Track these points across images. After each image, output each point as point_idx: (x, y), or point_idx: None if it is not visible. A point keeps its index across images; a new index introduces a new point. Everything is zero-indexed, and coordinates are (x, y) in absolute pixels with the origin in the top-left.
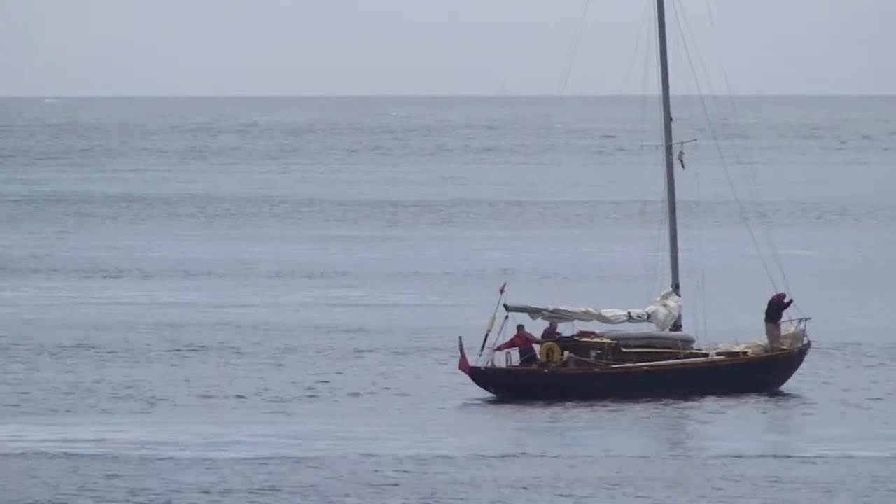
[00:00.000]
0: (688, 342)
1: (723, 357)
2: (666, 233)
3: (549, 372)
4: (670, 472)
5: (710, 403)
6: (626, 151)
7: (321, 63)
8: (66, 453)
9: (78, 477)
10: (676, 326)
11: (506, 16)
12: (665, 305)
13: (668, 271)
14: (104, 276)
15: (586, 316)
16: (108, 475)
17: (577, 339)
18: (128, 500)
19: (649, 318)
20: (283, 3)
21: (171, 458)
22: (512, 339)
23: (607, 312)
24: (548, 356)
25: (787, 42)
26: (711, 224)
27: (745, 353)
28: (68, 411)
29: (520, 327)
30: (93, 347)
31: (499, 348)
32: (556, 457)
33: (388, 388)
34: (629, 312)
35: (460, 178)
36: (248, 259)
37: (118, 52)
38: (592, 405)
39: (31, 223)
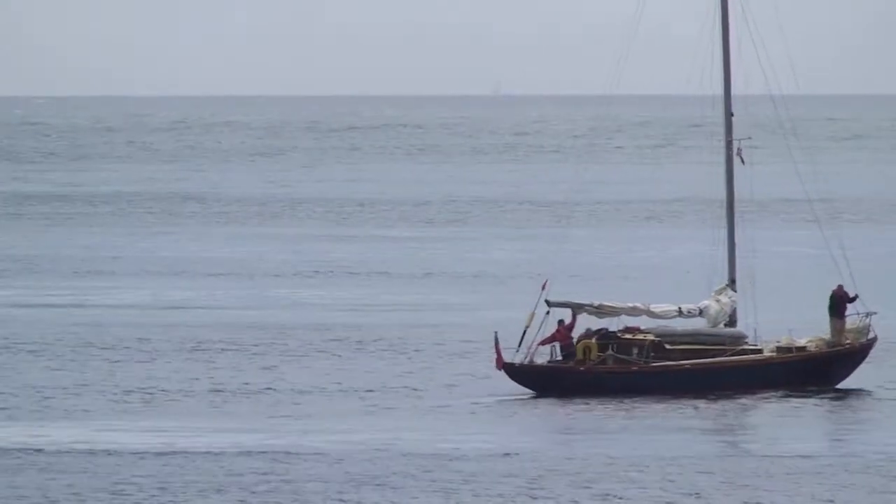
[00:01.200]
0: (738, 338)
1: (774, 353)
2: (723, 228)
3: (586, 369)
4: (714, 472)
5: (757, 401)
6: (681, 148)
7: (319, 63)
8: (82, 452)
9: (95, 477)
10: (732, 322)
11: (501, 15)
12: (718, 301)
13: (725, 266)
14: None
15: (634, 311)
16: (131, 474)
17: (618, 335)
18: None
19: (701, 313)
20: (280, 4)
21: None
22: (553, 335)
23: (656, 308)
24: (584, 353)
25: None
26: (776, 220)
27: (803, 348)
28: (87, 410)
29: (560, 322)
30: (94, 346)
31: (541, 343)
32: (583, 455)
33: (424, 386)
34: (680, 308)
35: (502, 179)
36: (281, 259)
37: (111, 51)
38: (628, 403)
39: None
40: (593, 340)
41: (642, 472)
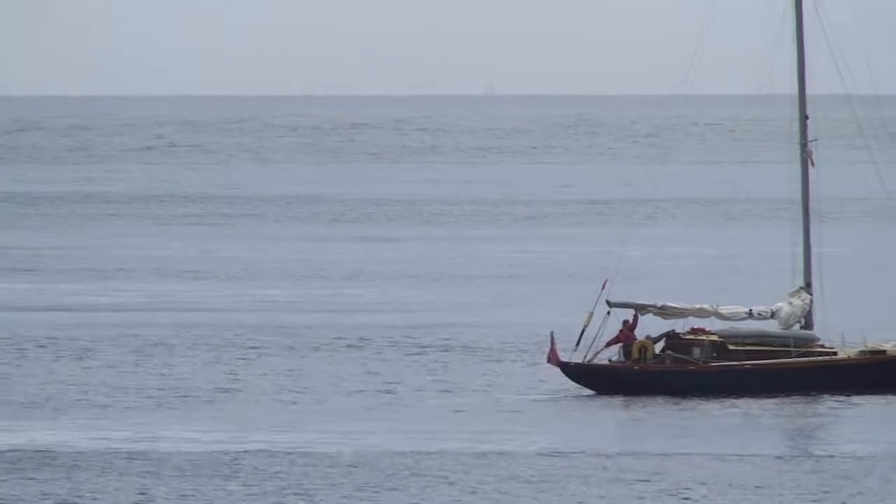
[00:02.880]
0: (806, 340)
1: (842, 356)
2: (799, 230)
3: (641, 368)
4: (762, 473)
5: (818, 402)
6: (752, 149)
7: (316, 64)
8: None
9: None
10: (807, 325)
11: (496, 15)
12: (790, 303)
13: (800, 269)
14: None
15: (701, 313)
16: (145, 474)
17: (680, 335)
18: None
19: (773, 315)
20: (276, 3)
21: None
22: (617, 336)
23: (725, 309)
24: (640, 353)
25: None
26: (852, 221)
27: (883, 351)
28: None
29: (625, 323)
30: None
31: (607, 344)
32: (635, 454)
33: (480, 386)
34: (751, 310)
35: (566, 179)
36: (329, 260)
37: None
38: (684, 402)
39: None
40: (649, 340)
41: (696, 471)
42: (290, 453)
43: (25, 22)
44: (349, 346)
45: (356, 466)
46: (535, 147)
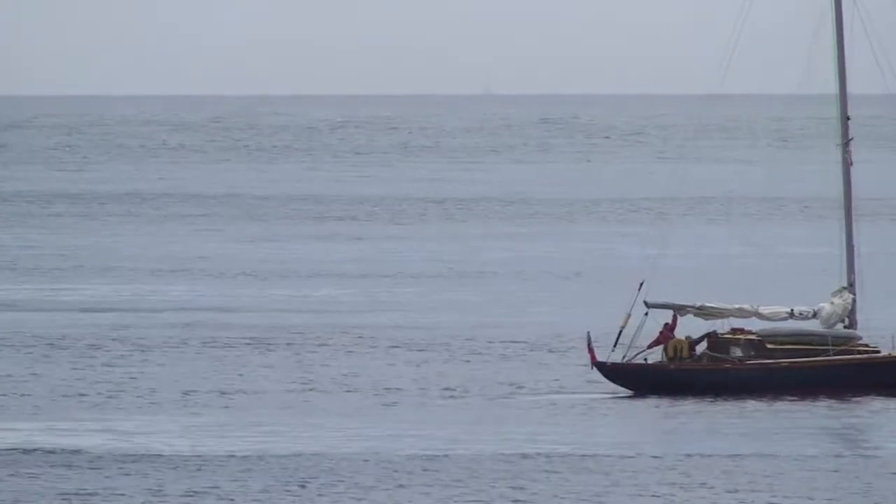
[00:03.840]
0: (846, 339)
1: (880, 355)
2: (841, 229)
3: (676, 367)
4: (801, 475)
5: (858, 401)
6: (793, 148)
7: (312, 64)
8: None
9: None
10: (850, 324)
11: (492, 15)
12: (832, 303)
13: (842, 268)
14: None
15: (741, 313)
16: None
17: (719, 335)
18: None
19: (814, 315)
20: (272, 4)
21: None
22: (657, 337)
23: (765, 309)
24: (674, 352)
25: None
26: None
27: None
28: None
29: (666, 324)
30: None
31: (649, 346)
32: (677, 455)
33: (521, 386)
34: (792, 309)
35: (599, 177)
36: (365, 258)
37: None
38: (719, 401)
39: None
40: (688, 339)
41: (734, 470)
42: (351, 455)
43: None
44: (391, 346)
45: (392, 465)
46: (563, 145)
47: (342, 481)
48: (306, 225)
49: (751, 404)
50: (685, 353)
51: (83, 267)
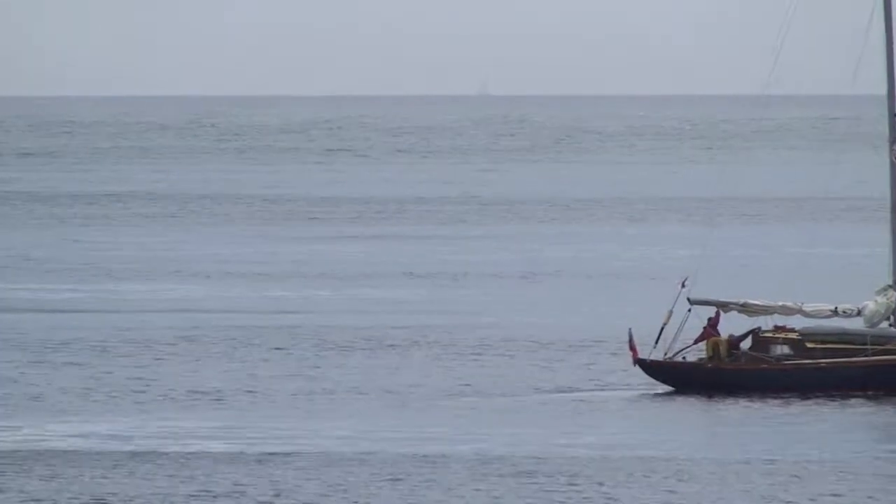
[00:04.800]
0: (889, 338)
1: None
2: (887, 228)
3: (713, 366)
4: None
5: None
6: (838, 148)
7: (309, 64)
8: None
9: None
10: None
11: (488, 15)
12: (876, 301)
13: (887, 267)
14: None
15: (784, 310)
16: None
17: (760, 333)
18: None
19: (858, 313)
20: (268, 3)
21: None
22: (701, 334)
23: (809, 307)
24: (713, 351)
25: None
26: None
27: None
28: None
29: (709, 320)
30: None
31: (695, 342)
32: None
33: (559, 385)
34: (836, 307)
35: (643, 176)
36: (403, 259)
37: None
38: (756, 401)
39: None
40: (731, 337)
41: (767, 471)
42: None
43: None
44: (431, 344)
45: (434, 463)
46: (606, 145)
47: (395, 480)
48: (323, 225)
49: (788, 404)
50: (724, 351)
51: (85, 267)
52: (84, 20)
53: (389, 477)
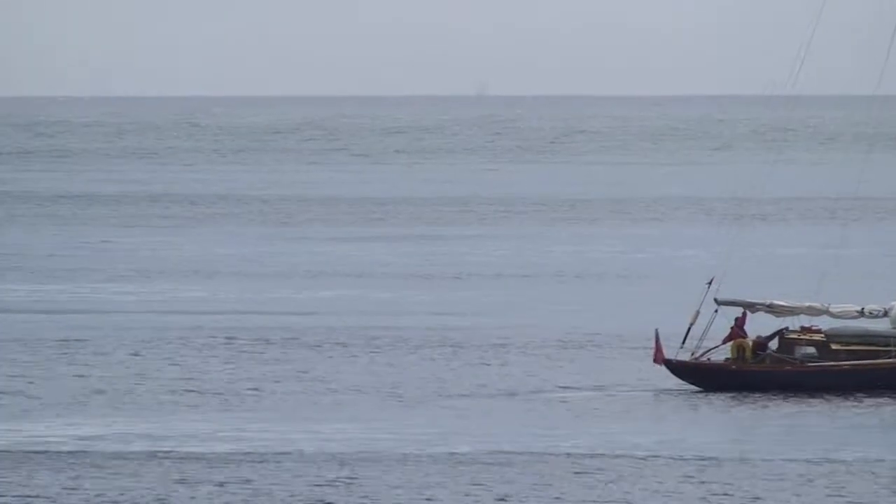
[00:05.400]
0: None
1: None
2: None
3: (737, 367)
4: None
5: None
6: (863, 149)
7: (306, 63)
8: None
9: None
10: None
11: (486, 16)
12: None
13: None
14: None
15: (811, 311)
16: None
17: (785, 334)
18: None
19: (885, 314)
20: (266, 4)
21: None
22: (729, 334)
23: (836, 308)
24: (738, 352)
25: None
26: None
27: None
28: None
29: (737, 320)
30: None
31: (723, 341)
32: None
33: (588, 384)
34: (863, 308)
35: (670, 176)
36: (449, 259)
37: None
38: (780, 402)
39: None
40: (754, 338)
41: (770, 473)
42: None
43: None
44: (456, 345)
45: (464, 465)
46: (630, 147)
47: (424, 479)
48: (347, 226)
49: (810, 406)
50: (748, 352)
51: (87, 268)
52: (84, 19)
53: (429, 476)
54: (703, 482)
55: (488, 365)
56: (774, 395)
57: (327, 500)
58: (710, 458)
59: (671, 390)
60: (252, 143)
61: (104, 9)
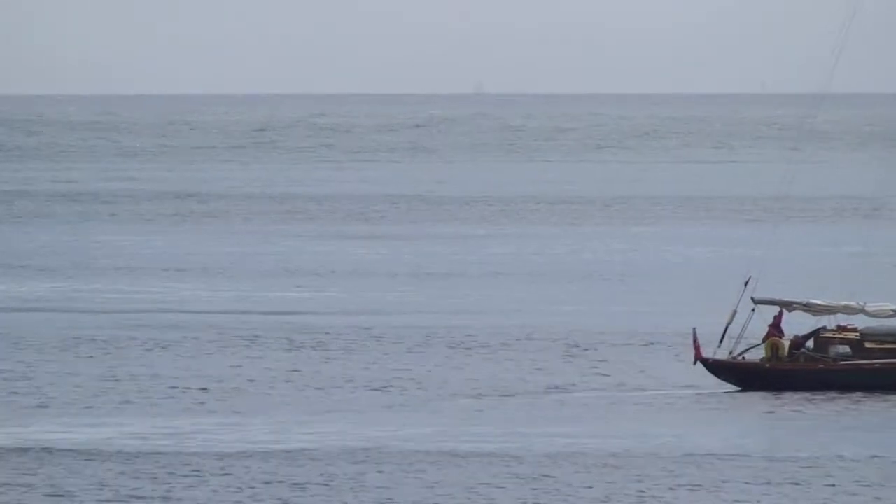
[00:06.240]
0: None
1: None
2: None
3: (771, 366)
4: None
5: None
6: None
7: (302, 63)
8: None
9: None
10: None
11: (483, 15)
12: None
13: None
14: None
15: (847, 310)
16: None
17: (821, 333)
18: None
19: None
20: (266, 3)
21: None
22: (767, 333)
23: (872, 307)
24: (772, 351)
25: None
26: None
27: None
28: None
29: (774, 319)
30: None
31: (763, 340)
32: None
33: (627, 383)
34: None
35: (704, 175)
36: (475, 259)
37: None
38: (814, 400)
39: None
40: (782, 339)
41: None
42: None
43: None
44: (501, 344)
45: (506, 463)
46: (667, 146)
47: (461, 475)
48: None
49: (844, 404)
50: (782, 351)
51: (92, 266)
52: (82, 20)
53: (461, 474)
54: (734, 481)
55: (525, 363)
56: (809, 393)
57: (329, 500)
58: (742, 455)
59: (707, 389)
60: (246, 141)
61: (104, 8)
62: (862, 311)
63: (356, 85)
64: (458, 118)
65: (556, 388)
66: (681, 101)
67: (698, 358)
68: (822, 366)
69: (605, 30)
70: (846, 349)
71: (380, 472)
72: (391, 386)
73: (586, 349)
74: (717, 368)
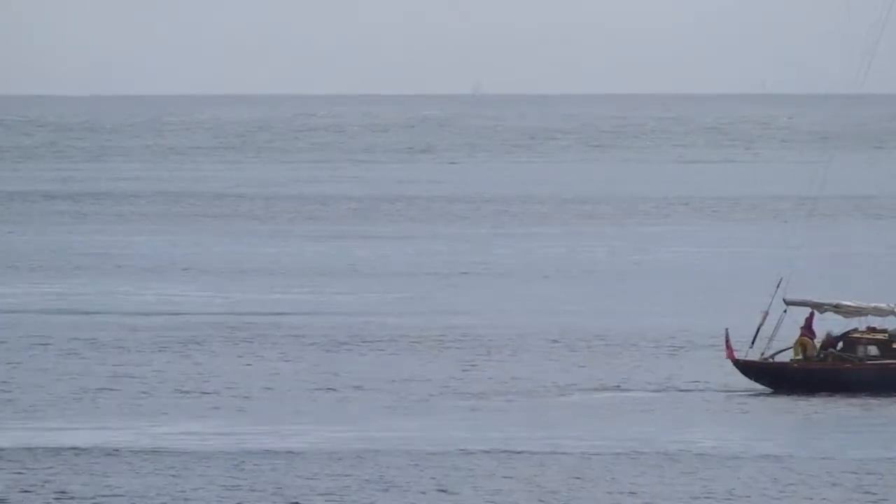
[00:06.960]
0: None
1: None
2: None
3: (799, 366)
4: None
5: None
6: None
7: (299, 62)
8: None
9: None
10: None
11: (482, 15)
12: None
13: None
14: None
15: (877, 311)
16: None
17: (849, 334)
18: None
19: None
20: (266, 3)
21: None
22: (800, 334)
23: None
24: (801, 351)
25: None
26: None
27: None
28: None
29: (805, 320)
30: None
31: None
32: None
33: (658, 382)
34: None
35: (734, 175)
36: (499, 260)
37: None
38: (842, 400)
39: None
40: (810, 339)
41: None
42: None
43: None
44: (525, 344)
45: (532, 462)
46: (689, 146)
47: (495, 474)
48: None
49: (871, 404)
50: (811, 351)
51: (89, 266)
52: (82, 20)
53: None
54: (767, 478)
55: (556, 363)
56: (836, 393)
57: (329, 500)
58: (768, 456)
59: (738, 388)
60: (239, 140)
61: (104, 9)
62: (892, 312)
63: (356, 85)
64: (458, 118)
65: (583, 388)
66: (681, 101)
67: (730, 358)
68: (849, 366)
69: (605, 30)
70: (874, 349)
71: (380, 472)
72: (391, 386)
73: (615, 349)
74: (747, 369)
